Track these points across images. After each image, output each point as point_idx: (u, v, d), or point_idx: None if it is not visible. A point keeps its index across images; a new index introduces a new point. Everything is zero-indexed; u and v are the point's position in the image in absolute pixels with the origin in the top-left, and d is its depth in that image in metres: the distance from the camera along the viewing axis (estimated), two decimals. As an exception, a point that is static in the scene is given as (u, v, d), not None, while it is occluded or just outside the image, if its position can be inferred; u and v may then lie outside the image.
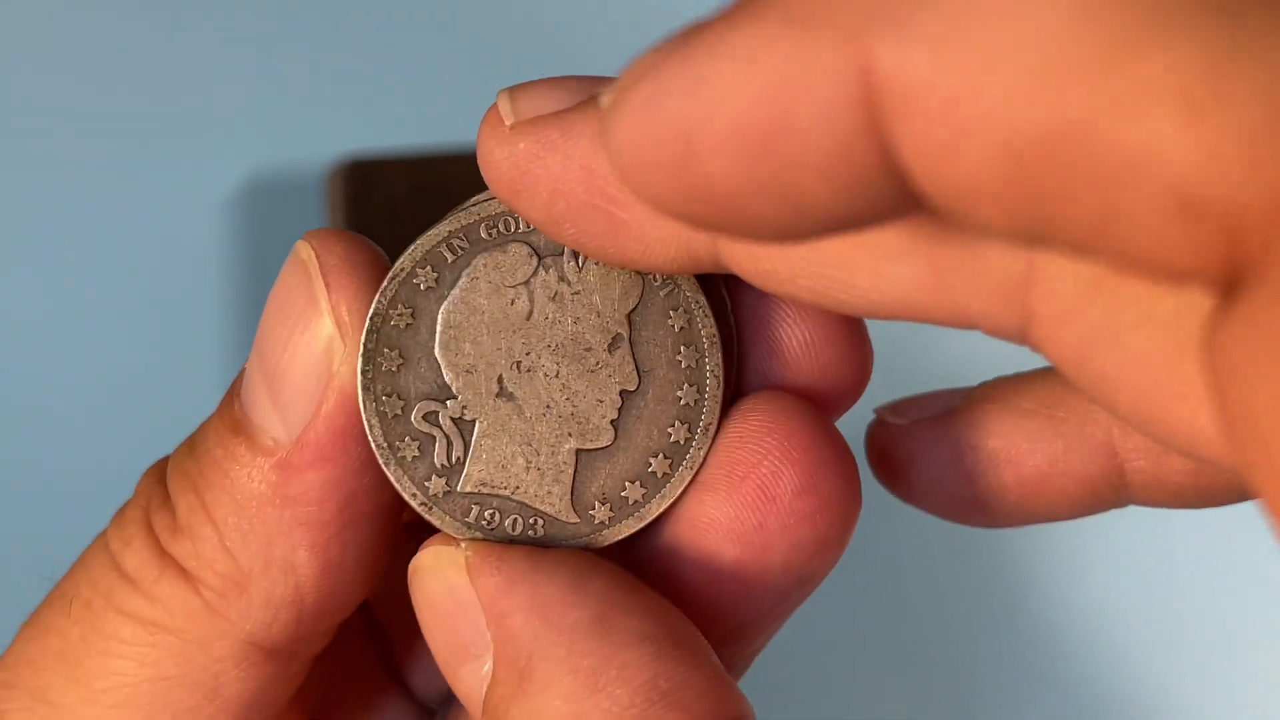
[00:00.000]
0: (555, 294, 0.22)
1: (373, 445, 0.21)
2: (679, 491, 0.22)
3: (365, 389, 0.21)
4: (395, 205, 0.43)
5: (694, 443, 0.22)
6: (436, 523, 0.22)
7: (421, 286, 0.22)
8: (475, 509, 0.22)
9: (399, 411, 0.21)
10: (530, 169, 0.20)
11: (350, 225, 0.42)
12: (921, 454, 0.25)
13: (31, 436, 0.42)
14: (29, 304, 0.43)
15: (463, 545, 0.21)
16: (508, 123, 0.21)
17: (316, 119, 0.46)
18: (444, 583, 0.21)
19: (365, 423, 0.21)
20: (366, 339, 0.21)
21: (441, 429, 0.21)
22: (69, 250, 0.44)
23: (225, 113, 0.47)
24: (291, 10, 0.48)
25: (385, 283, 0.21)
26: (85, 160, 0.46)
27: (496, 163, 0.21)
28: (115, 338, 0.43)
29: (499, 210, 0.22)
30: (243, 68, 0.47)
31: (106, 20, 0.48)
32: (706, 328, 0.22)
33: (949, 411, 0.25)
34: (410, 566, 0.22)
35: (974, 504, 0.24)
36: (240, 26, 0.48)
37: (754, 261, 0.21)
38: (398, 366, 0.21)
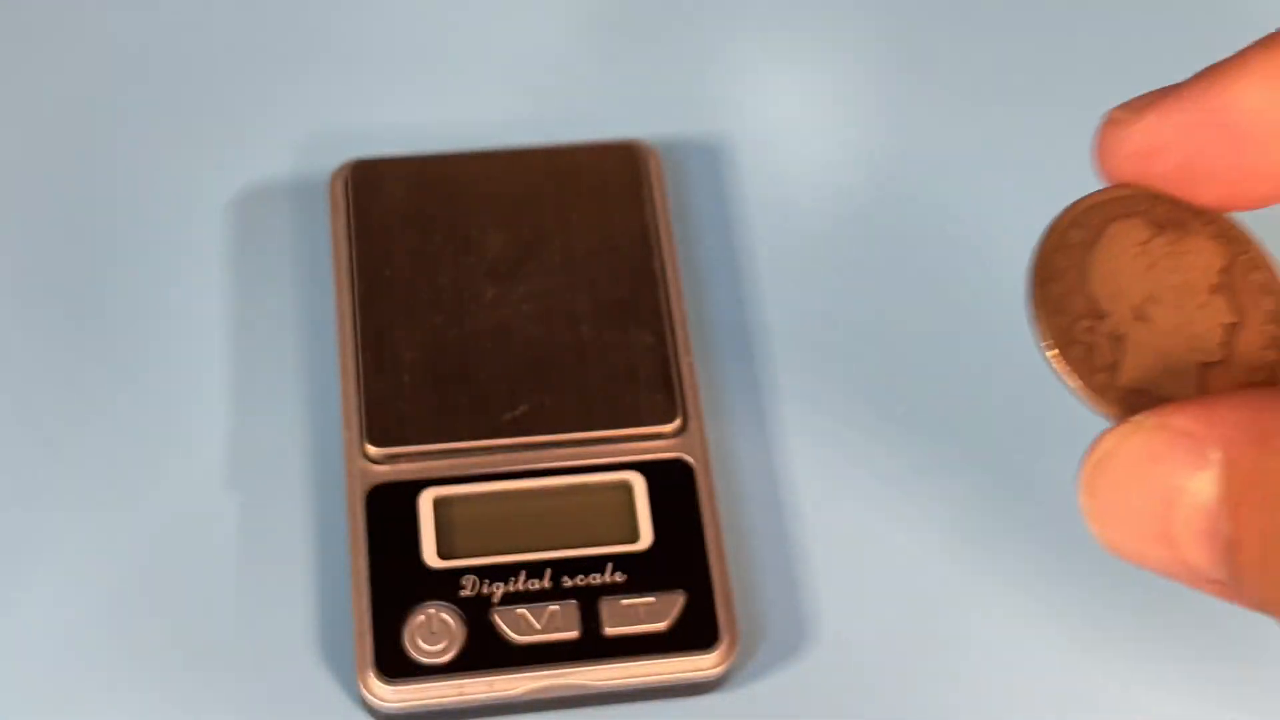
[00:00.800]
0: (1168, 253, 0.28)
1: (1043, 337, 0.27)
2: None
3: (1040, 305, 0.28)
4: (396, 205, 0.43)
5: None
6: (1102, 408, 0.27)
7: (1076, 237, 0.28)
8: (1129, 399, 0.27)
9: (1069, 317, 0.28)
10: (1161, 132, 0.26)
11: (351, 225, 0.42)
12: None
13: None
14: (29, 304, 0.44)
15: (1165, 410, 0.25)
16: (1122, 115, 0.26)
17: (318, 121, 0.46)
18: (1143, 446, 0.24)
19: (1036, 315, 0.27)
20: (1043, 259, 0.28)
21: (1099, 338, 0.27)
22: (69, 252, 0.44)
23: (226, 112, 0.47)
24: (294, 13, 0.48)
25: (1045, 234, 0.28)
26: (85, 161, 0.46)
27: (1128, 137, 0.26)
28: (115, 338, 0.43)
29: (1124, 194, 0.28)
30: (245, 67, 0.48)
31: (106, 21, 0.48)
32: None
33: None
34: (1112, 447, 0.25)
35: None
36: (242, 27, 0.48)
37: None
38: (1066, 288, 0.28)
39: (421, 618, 0.37)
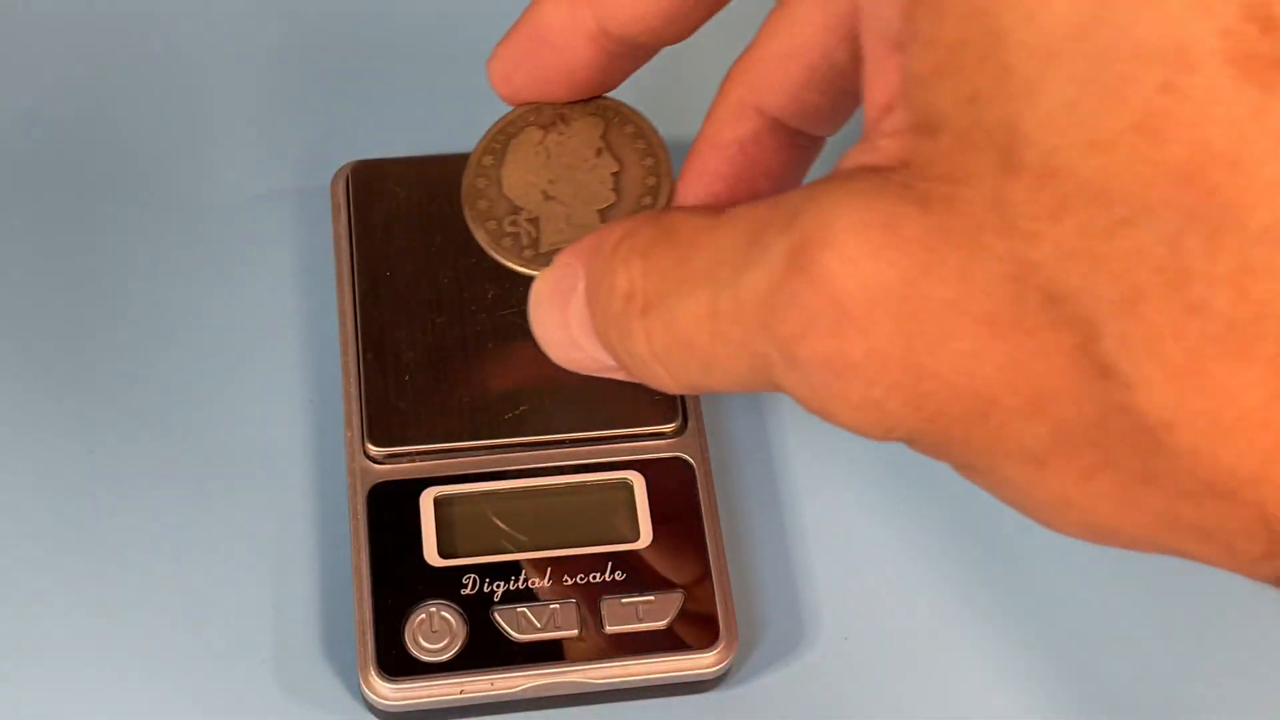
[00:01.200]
0: (558, 143, 0.36)
1: (479, 239, 0.35)
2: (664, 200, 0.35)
3: (471, 206, 0.36)
4: (397, 206, 0.43)
5: (662, 184, 0.36)
6: (535, 272, 0.33)
7: (488, 161, 0.36)
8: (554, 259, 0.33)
9: (497, 220, 0.35)
10: (511, 56, 0.36)
11: (352, 225, 0.43)
12: None
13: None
14: (30, 305, 0.44)
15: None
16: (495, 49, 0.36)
17: (319, 122, 0.47)
18: (546, 279, 0.33)
19: (472, 228, 0.35)
20: (468, 187, 0.36)
21: (522, 227, 0.35)
22: (70, 253, 0.44)
23: (228, 113, 0.47)
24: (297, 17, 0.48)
25: (467, 166, 0.36)
26: (86, 161, 0.46)
27: (496, 65, 0.37)
28: (116, 337, 0.43)
29: (516, 114, 0.37)
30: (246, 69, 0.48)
31: (107, 22, 0.48)
32: (655, 136, 0.36)
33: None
34: (533, 290, 0.33)
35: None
36: (243, 28, 0.48)
37: None
38: (490, 200, 0.36)
39: (422, 616, 0.38)
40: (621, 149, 0.36)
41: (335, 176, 0.44)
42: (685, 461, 0.40)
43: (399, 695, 0.37)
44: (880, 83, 0.28)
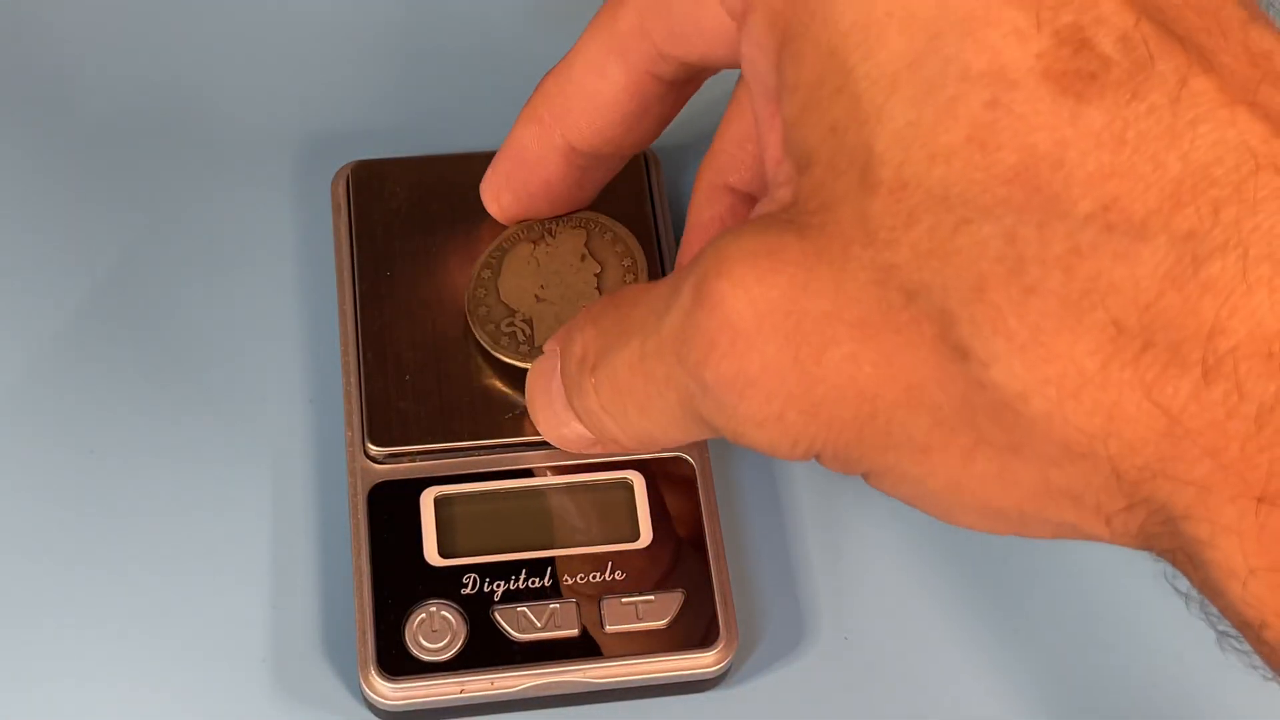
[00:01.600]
0: (547, 252, 0.41)
1: (482, 341, 0.40)
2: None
3: (472, 313, 0.40)
4: (397, 206, 0.43)
5: (640, 279, 0.40)
6: (529, 365, 0.38)
7: (486, 275, 0.41)
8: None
9: (495, 323, 0.40)
10: (495, 184, 0.42)
11: (353, 225, 0.43)
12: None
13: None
14: (30, 305, 0.44)
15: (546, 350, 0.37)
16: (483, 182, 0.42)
17: (320, 122, 0.47)
18: (536, 368, 0.37)
19: (475, 332, 0.40)
20: (470, 297, 0.40)
21: (518, 326, 0.40)
22: (71, 253, 0.44)
23: (229, 113, 0.47)
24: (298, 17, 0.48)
25: (470, 280, 0.41)
26: (88, 162, 0.46)
27: (485, 194, 0.42)
28: (117, 337, 0.43)
29: (509, 232, 0.41)
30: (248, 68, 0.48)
31: (108, 23, 0.48)
32: (632, 240, 0.41)
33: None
34: (527, 379, 0.38)
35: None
36: (244, 28, 0.48)
37: None
38: (488, 307, 0.40)
39: (423, 615, 0.38)
40: (603, 253, 0.41)
41: (335, 176, 0.44)
42: (685, 461, 0.40)
43: (399, 695, 0.37)
44: (771, 139, 0.31)
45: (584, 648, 0.38)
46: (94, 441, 0.41)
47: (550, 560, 0.38)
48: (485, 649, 0.37)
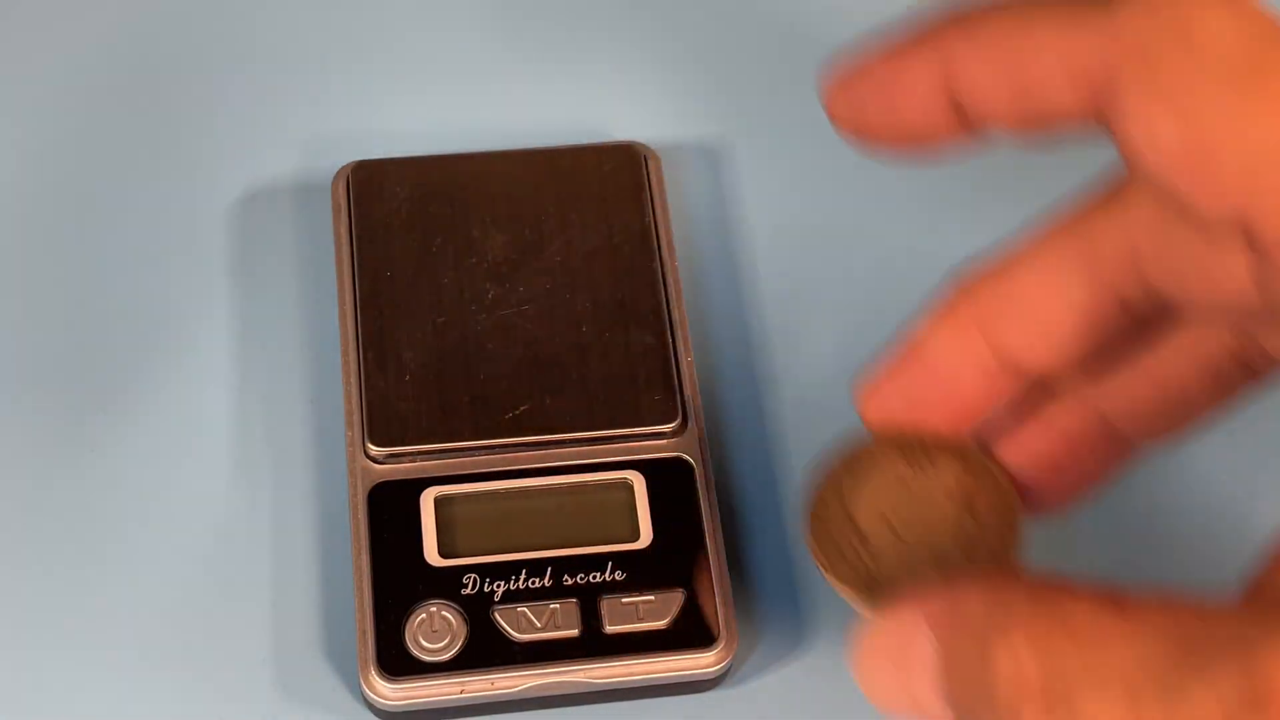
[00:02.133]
0: (916, 478, 0.35)
1: (814, 553, 0.34)
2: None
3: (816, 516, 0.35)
4: (398, 206, 0.43)
5: (1009, 549, 0.35)
6: (867, 608, 0.33)
7: (848, 482, 0.35)
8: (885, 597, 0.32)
9: (836, 542, 0.34)
10: (891, 393, 0.35)
11: (353, 225, 0.43)
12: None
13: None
14: (30, 305, 0.44)
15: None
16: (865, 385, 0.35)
17: (321, 122, 0.47)
18: (883, 633, 0.31)
19: (809, 538, 0.34)
20: (818, 499, 0.35)
21: (861, 553, 0.34)
22: (72, 253, 0.44)
23: (229, 113, 0.47)
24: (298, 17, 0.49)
25: (822, 480, 0.35)
26: (89, 162, 0.46)
27: (870, 402, 0.36)
28: (118, 337, 0.43)
29: (881, 441, 0.35)
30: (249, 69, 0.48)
31: (108, 23, 0.48)
32: (1012, 494, 0.35)
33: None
34: (866, 639, 0.31)
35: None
36: (244, 28, 0.48)
37: None
38: (835, 521, 0.34)
39: (423, 616, 0.38)
40: (975, 499, 0.35)
41: (335, 176, 0.44)
42: (685, 461, 0.40)
43: (399, 695, 0.37)
44: None
45: (584, 648, 0.38)
46: (94, 441, 0.41)
47: (550, 560, 0.38)
48: (485, 649, 0.37)
